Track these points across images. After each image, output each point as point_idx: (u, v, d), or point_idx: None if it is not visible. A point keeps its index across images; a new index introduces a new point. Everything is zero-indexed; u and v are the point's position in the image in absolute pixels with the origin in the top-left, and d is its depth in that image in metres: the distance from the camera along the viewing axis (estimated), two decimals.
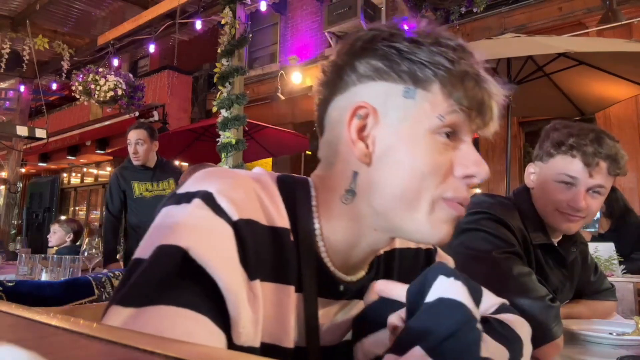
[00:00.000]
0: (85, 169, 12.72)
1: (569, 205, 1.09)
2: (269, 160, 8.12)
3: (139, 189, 3.05)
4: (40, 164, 12.27)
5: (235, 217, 0.47)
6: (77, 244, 3.30)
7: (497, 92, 0.54)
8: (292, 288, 0.51)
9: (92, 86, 5.90)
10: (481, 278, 1.04)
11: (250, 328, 0.45)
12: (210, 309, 0.42)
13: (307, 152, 6.18)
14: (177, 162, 6.35)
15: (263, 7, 5.79)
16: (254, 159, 7.82)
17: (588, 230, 4.33)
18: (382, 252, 0.63)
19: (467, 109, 0.52)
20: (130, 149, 2.98)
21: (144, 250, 0.46)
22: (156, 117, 8.74)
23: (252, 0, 5.56)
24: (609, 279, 1.43)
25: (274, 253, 0.50)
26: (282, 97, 7.10)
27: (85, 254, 2.15)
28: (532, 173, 1.19)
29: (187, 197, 0.48)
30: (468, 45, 0.54)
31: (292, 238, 0.52)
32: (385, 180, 0.52)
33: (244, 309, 0.44)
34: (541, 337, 0.93)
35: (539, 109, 4.38)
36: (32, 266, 2.30)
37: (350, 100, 0.54)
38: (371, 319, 0.55)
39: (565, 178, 1.09)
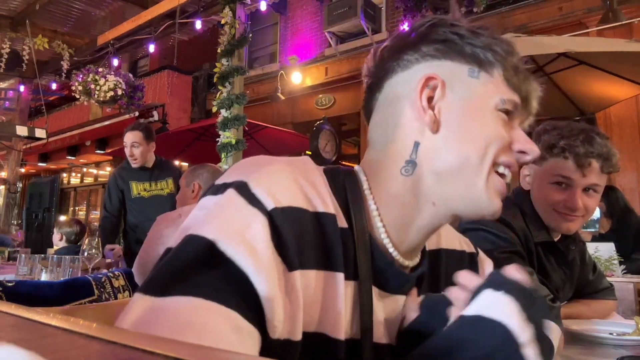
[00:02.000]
0: (85, 169, 12.72)
1: (565, 206, 1.09)
2: None
3: (136, 188, 3.04)
4: (40, 164, 12.27)
5: (271, 205, 0.46)
6: (78, 244, 3.30)
7: (537, 90, 0.61)
8: (340, 275, 0.50)
9: (92, 86, 5.90)
10: None
11: (287, 321, 0.44)
12: (239, 303, 0.41)
13: (307, 152, 6.19)
14: (177, 162, 6.35)
15: (263, 7, 5.79)
16: None
17: (588, 230, 4.33)
18: (427, 247, 0.64)
19: (520, 97, 0.58)
20: (127, 152, 2.97)
21: (176, 240, 0.46)
22: (156, 117, 8.74)
23: (252, 0, 5.57)
24: (609, 279, 1.44)
25: (318, 240, 0.49)
26: (282, 97, 7.10)
27: (85, 254, 2.15)
28: (527, 175, 1.20)
29: (223, 188, 0.48)
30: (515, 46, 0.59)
31: (341, 224, 0.52)
32: (451, 146, 0.55)
33: (278, 301, 0.43)
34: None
35: (539, 109, 4.37)
36: (32, 266, 2.30)
37: (417, 74, 0.57)
38: (417, 334, 0.54)
39: (559, 179, 1.09)
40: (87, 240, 2.21)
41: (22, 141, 7.50)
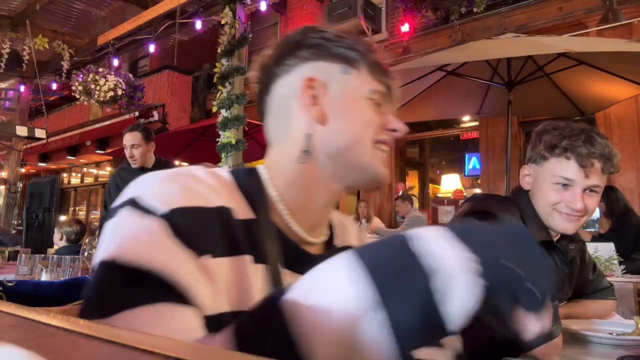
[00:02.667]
0: (85, 169, 12.72)
1: (567, 206, 1.09)
2: None
3: None
4: (40, 164, 12.27)
5: (164, 209, 0.50)
6: (78, 244, 3.30)
7: (396, 80, 0.71)
8: (247, 257, 0.56)
9: (92, 86, 5.90)
10: None
11: (213, 297, 0.50)
12: (168, 296, 0.46)
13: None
14: (177, 162, 6.35)
15: (263, 7, 5.80)
16: (254, 159, 7.81)
17: (588, 230, 4.34)
18: (339, 244, 0.73)
19: (384, 87, 0.68)
20: (127, 153, 2.97)
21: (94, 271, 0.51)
22: (156, 117, 8.74)
23: (252, 0, 5.57)
24: (609, 279, 1.43)
25: (222, 230, 0.55)
26: None
27: (86, 253, 2.14)
28: (527, 175, 1.19)
29: (118, 209, 0.53)
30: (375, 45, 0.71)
31: (245, 215, 0.59)
32: (337, 134, 0.65)
33: (197, 282, 0.48)
34: (540, 336, 0.93)
35: (539, 109, 4.38)
36: (32, 266, 2.29)
37: (298, 76, 0.66)
38: None
39: (561, 180, 1.09)
40: (87, 240, 2.21)
41: (22, 141, 7.50)
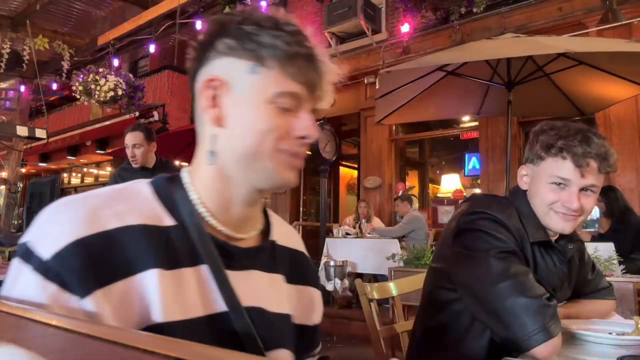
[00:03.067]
0: (85, 169, 12.72)
1: (563, 206, 1.09)
2: None
3: None
4: (41, 164, 12.26)
5: (46, 256, 0.52)
6: None
7: (327, 71, 0.65)
8: (152, 271, 0.56)
9: (92, 86, 5.90)
10: (479, 277, 1.05)
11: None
12: None
13: (307, 152, 6.20)
14: (177, 162, 6.35)
15: (263, 7, 5.78)
16: None
17: (588, 230, 4.34)
18: (282, 244, 0.75)
19: (301, 84, 0.63)
20: (128, 152, 2.97)
21: None
22: (156, 117, 8.74)
23: (252, 0, 5.57)
24: (609, 279, 1.43)
25: (116, 253, 0.55)
26: None
27: None
28: (525, 175, 1.19)
29: (18, 251, 0.55)
30: (305, 30, 0.64)
31: (167, 223, 0.60)
32: (236, 139, 0.63)
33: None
34: (538, 335, 0.93)
35: (539, 109, 4.38)
36: None
37: (208, 73, 0.64)
38: None
39: (557, 180, 1.09)
40: None
41: (23, 141, 7.50)
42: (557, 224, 1.12)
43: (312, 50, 0.64)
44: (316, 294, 0.80)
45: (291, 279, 0.75)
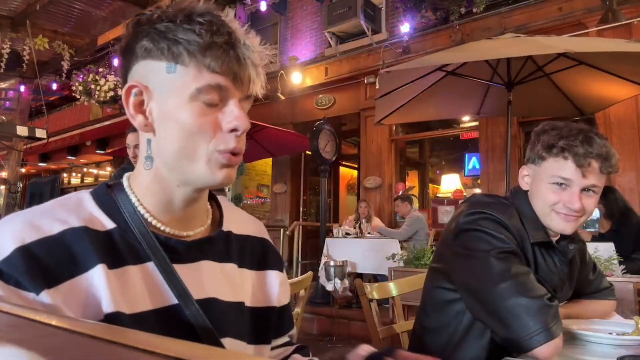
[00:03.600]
0: (85, 169, 12.71)
1: (564, 206, 1.09)
2: (269, 160, 8.12)
3: None
4: (41, 164, 12.26)
5: None
6: None
7: (251, 56, 0.62)
8: (93, 270, 0.57)
9: (92, 86, 5.90)
10: (480, 278, 1.04)
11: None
12: None
13: (307, 152, 6.18)
14: None
15: (263, 7, 5.79)
16: (254, 159, 7.81)
17: (588, 230, 4.34)
18: (235, 232, 0.75)
19: (222, 74, 0.60)
20: (130, 153, 2.98)
21: None
22: None
23: (252, 0, 5.57)
24: (609, 279, 1.43)
25: (61, 255, 0.56)
26: (282, 97, 7.10)
27: None
28: (526, 175, 1.19)
29: None
30: (219, 17, 0.61)
31: (98, 228, 0.61)
32: (166, 142, 0.62)
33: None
34: (540, 336, 0.93)
35: (539, 109, 4.38)
36: None
37: (130, 78, 0.63)
38: None
39: (558, 180, 1.09)
40: None
41: (23, 141, 7.49)
42: (558, 224, 1.11)
43: (231, 37, 0.61)
44: (279, 276, 0.80)
45: (249, 265, 0.76)
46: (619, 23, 4.20)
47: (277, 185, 7.79)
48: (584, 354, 1.00)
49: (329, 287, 4.64)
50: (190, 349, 0.31)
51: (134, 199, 0.65)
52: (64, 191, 12.47)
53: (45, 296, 0.53)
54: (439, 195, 7.39)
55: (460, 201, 6.09)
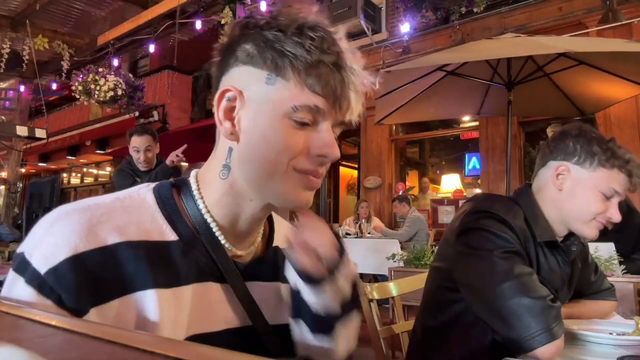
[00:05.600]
0: (85, 169, 12.72)
1: (605, 217, 1.11)
2: None
3: None
4: (40, 164, 12.26)
5: (43, 269, 0.50)
6: None
7: (355, 81, 0.59)
8: (148, 292, 0.54)
9: (92, 86, 5.90)
10: (482, 277, 1.04)
11: None
12: None
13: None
14: None
15: (263, 7, 5.78)
16: None
17: None
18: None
19: (322, 96, 0.57)
20: (140, 156, 2.92)
21: None
22: (156, 117, 8.74)
23: (252, 0, 5.56)
24: (609, 279, 1.43)
25: (111, 271, 0.52)
26: None
27: None
28: (562, 175, 1.14)
29: (14, 263, 0.53)
30: (331, 34, 0.59)
31: (168, 238, 0.58)
32: (250, 154, 0.59)
33: None
34: (542, 337, 0.93)
35: (539, 109, 4.37)
36: None
37: (226, 82, 0.60)
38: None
39: (612, 192, 1.10)
40: None
41: (22, 141, 7.49)
42: (592, 232, 1.13)
43: (339, 57, 0.58)
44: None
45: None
46: (619, 23, 4.19)
47: None
48: (584, 354, 1.00)
49: None
50: (190, 349, 0.30)
51: (203, 208, 0.61)
52: (63, 191, 12.48)
53: (92, 316, 0.50)
54: (438, 195, 7.39)
55: (460, 201, 6.09)
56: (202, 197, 0.62)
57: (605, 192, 1.10)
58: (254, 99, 0.58)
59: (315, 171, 0.60)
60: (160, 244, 0.57)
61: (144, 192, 0.62)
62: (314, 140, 0.58)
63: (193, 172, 0.65)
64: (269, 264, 0.69)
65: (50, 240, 0.52)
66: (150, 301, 0.53)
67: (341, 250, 0.65)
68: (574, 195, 1.13)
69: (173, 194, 0.62)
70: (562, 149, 1.15)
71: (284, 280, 0.68)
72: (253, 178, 0.60)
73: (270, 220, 0.73)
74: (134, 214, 0.58)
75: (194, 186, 0.63)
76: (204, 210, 0.61)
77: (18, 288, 0.50)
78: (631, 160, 1.09)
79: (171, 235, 0.58)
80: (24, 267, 0.51)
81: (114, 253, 0.53)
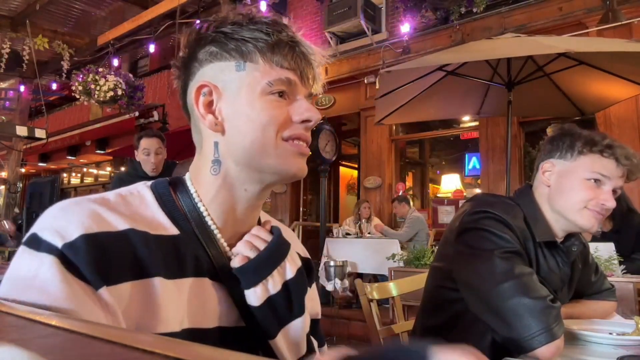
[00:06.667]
0: (85, 169, 12.71)
1: (598, 204, 1.09)
2: None
3: None
4: (40, 164, 12.26)
5: (59, 243, 0.50)
6: None
7: (313, 53, 0.65)
8: (156, 280, 0.54)
9: (92, 86, 5.90)
10: (482, 277, 1.04)
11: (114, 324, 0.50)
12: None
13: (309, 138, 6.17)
14: (178, 162, 6.33)
15: (263, 7, 5.79)
16: None
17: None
18: None
19: (291, 70, 0.63)
20: (150, 159, 2.86)
21: None
22: (156, 117, 8.74)
23: (252, 0, 5.57)
24: (609, 279, 1.43)
25: (124, 254, 0.53)
26: None
27: None
28: (548, 171, 1.17)
29: (21, 245, 0.53)
30: (280, 19, 0.65)
31: (161, 233, 0.58)
32: (237, 139, 0.62)
33: (90, 314, 0.48)
34: (542, 337, 0.93)
35: (539, 109, 4.38)
36: None
37: (195, 83, 0.64)
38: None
39: (598, 176, 1.09)
40: None
41: (22, 141, 7.50)
42: (588, 221, 1.11)
43: (294, 37, 0.63)
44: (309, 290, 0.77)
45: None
46: (619, 23, 4.19)
47: (277, 185, 7.78)
48: (584, 354, 1.00)
49: (329, 287, 4.64)
50: (190, 349, 0.31)
51: (199, 204, 0.63)
52: (63, 191, 12.47)
53: (105, 293, 0.50)
54: (439, 195, 7.39)
55: (460, 201, 6.10)
56: (197, 194, 0.64)
57: (591, 178, 1.10)
58: (229, 87, 0.62)
59: (303, 134, 0.64)
60: (164, 237, 0.58)
61: (142, 190, 0.63)
62: (294, 109, 0.63)
63: (187, 174, 0.67)
64: None
65: (62, 222, 0.52)
66: (157, 289, 0.54)
67: None
68: (561, 187, 1.14)
69: (170, 191, 0.64)
70: (548, 150, 1.18)
71: None
72: (247, 162, 0.62)
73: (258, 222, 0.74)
74: (136, 208, 0.60)
75: (189, 183, 0.65)
76: (201, 207, 0.63)
77: (35, 260, 0.50)
78: (613, 145, 1.09)
79: (173, 230, 0.60)
80: (37, 242, 0.51)
81: (126, 237, 0.54)
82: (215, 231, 0.63)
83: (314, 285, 0.80)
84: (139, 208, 0.60)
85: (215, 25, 0.63)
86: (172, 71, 0.68)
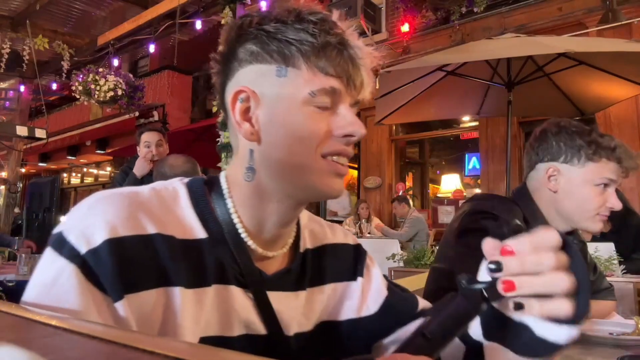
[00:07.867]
0: (85, 169, 12.71)
1: (607, 208, 1.11)
2: None
3: None
4: (40, 164, 12.26)
5: (83, 249, 0.49)
6: None
7: (363, 56, 0.59)
8: (176, 289, 0.53)
9: (92, 86, 5.90)
10: None
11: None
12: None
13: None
14: None
15: (263, 7, 5.78)
16: None
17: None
18: (310, 246, 0.69)
19: (336, 77, 0.57)
20: (152, 152, 2.85)
21: None
22: (156, 117, 8.74)
23: (252, 0, 5.56)
24: (609, 279, 1.43)
25: (152, 260, 0.52)
26: None
27: None
28: (554, 176, 1.14)
29: (49, 242, 0.52)
30: (329, 16, 0.58)
31: (187, 237, 0.56)
32: (273, 151, 0.57)
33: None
34: None
35: (539, 109, 4.37)
36: (32, 266, 2.29)
37: (235, 85, 0.59)
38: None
39: (606, 181, 1.10)
40: None
41: (23, 141, 7.49)
42: (597, 226, 1.13)
43: (343, 37, 0.57)
44: (351, 286, 0.71)
45: (323, 280, 0.69)
46: (619, 23, 4.19)
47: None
48: (584, 354, 1.00)
49: None
50: (190, 349, 0.31)
51: (231, 208, 0.60)
52: (63, 191, 12.48)
53: (124, 304, 0.49)
54: (439, 195, 7.39)
55: (460, 201, 6.09)
56: (231, 197, 0.61)
57: (600, 184, 1.10)
58: (268, 94, 0.57)
59: (344, 150, 0.58)
60: (190, 241, 0.56)
61: (177, 186, 0.61)
62: (336, 122, 0.58)
63: (223, 172, 0.64)
64: (295, 272, 0.66)
65: (90, 221, 0.51)
66: (177, 298, 0.53)
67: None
68: (571, 194, 1.13)
69: (205, 191, 0.61)
70: (547, 150, 1.15)
71: (313, 284, 0.67)
72: (281, 175, 0.58)
73: (297, 225, 0.70)
74: (169, 206, 0.57)
75: (224, 185, 0.62)
76: (232, 211, 0.60)
77: (56, 265, 0.49)
78: (617, 146, 1.10)
79: (201, 233, 0.57)
80: (61, 244, 0.50)
81: (152, 243, 0.52)
82: (245, 236, 0.60)
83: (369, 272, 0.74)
84: (171, 205, 0.58)
85: (258, 21, 0.58)
86: (211, 64, 0.63)
